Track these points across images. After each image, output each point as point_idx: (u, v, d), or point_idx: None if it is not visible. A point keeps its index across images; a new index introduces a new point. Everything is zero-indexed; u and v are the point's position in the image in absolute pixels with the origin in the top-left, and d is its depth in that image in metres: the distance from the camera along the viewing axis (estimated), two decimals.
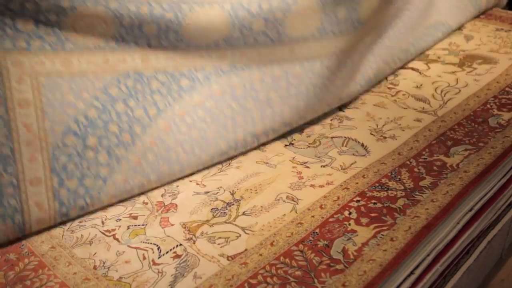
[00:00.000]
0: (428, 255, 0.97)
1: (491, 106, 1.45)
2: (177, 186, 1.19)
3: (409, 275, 0.93)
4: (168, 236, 1.04)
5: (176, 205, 1.12)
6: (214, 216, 1.08)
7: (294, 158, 1.26)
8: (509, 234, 1.36)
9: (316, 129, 1.38)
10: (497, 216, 1.21)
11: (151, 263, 0.97)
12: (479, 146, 1.26)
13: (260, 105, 1.27)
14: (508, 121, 1.36)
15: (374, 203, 1.08)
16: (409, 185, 1.13)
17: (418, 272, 0.94)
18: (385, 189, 1.13)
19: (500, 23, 2.04)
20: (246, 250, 0.99)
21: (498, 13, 2.15)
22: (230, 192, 1.15)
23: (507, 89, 1.54)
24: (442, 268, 1.01)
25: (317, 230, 1.02)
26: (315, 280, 0.90)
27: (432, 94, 1.54)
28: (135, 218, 1.09)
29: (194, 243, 1.01)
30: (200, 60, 1.20)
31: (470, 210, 1.09)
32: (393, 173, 1.18)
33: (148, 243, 1.02)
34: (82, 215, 1.10)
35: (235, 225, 1.05)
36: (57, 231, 1.07)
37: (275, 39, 1.28)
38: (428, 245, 0.98)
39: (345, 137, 1.33)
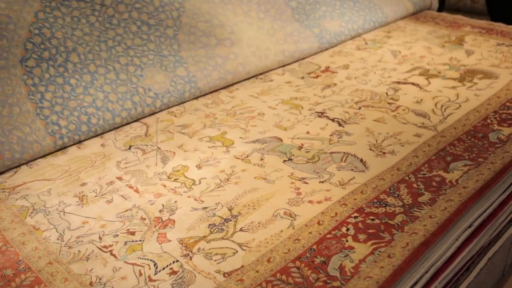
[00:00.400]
0: (426, 272, 0.97)
1: (491, 121, 1.44)
2: (175, 201, 1.19)
3: None
4: (165, 252, 1.04)
5: (174, 221, 1.12)
6: (211, 232, 1.08)
7: (292, 173, 1.26)
8: (511, 251, 1.35)
9: (315, 144, 1.38)
10: (497, 232, 1.20)
11: (147, 279, 0.97)
12: (479, 161, 1.25)
13: None
14: (508, 136, 1.35)
15: (372, 219, 1.08)
16: (407, 201, 1.13)
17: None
18: (383, 205, 1.12)
19: (501, 38, 2.05)
20: (242, 266, 0.98)
21: (499, 28, 2.15)
22: (228, 208, 1.15)
23: (507, 104, 1.53)
24: (441, 286, 1.00)
25: (314, 247, 1.01)
26: None
27: (432, 109, 1.53)
28: (133, 234, 1.09)
29: (191, 259, 1.01)
30: None
31: (470, 226, 1.08)
32: (392, 189, 1.17)
33: (145, 259, 1.02)
34: (81, 233, 1.10)
35: (232, 241, 1.05)
36: (54, 247, 1.07)
37: None
38: (426, 262, 0.97)
39: (344, 152, 1.33)
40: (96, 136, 1.51)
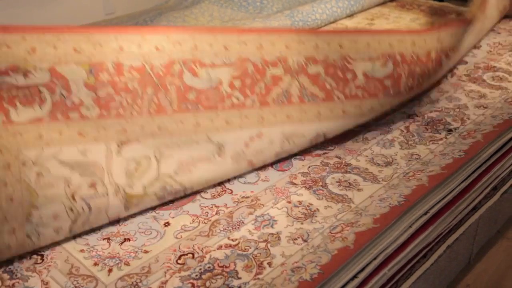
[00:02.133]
0: (375, 258, 0.96)
1: None
2: None
3: (352, 279, 0.92)
4: None
5: None
6: None
7: None
8: (476, 239, 1.34)
9: None
10: (458, 220, 1.19)
11: None
12: None
13: None
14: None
15: None
16: None
17: (362, 276, 0.93)
18: None
19: None
20: None
21: None
22: None
23: None
24: (392, 273, 1.00)
25: None
26: None
27: None
28: None
29: None
30: None
31: (426, 213, 1.07)
32: None
33: None
34: None
35: None
36: None
37: None
38: (375, 248, 0.97)
39: None
40: None
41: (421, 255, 1.09)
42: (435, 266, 1.15)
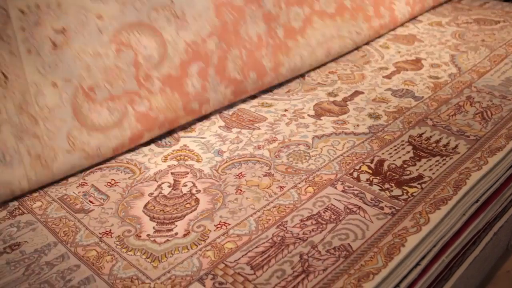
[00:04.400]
0: (435, 246, 0.98)
1: None
2: None
3: (415, 266, 0.93)
4: None
5: None
6: None
7: None
8: None
9: None
10: (503, 207, 1.21)
11: None
12: None
13: None
14: None
15: None
16: None
17: (424, 263, 0.94)
18: None
19: None
20: None
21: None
22: None
23: None
24: (448, 260, 1.01)
25: None
26: None
27: None
28: None
29: None
30: None
31: (477, 201, 1.09)
32: None
33: None
34: None
35: None
36: None
37: None
38: (434, 236, 0.98)
39: None
40: None
41: (470, 242, 1.11)
42: (482, 253, 1.17)
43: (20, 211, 1.07)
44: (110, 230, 1.00)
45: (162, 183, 1.14)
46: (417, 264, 0.93)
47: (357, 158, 1.20)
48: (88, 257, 0.94)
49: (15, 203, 1.09)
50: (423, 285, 0.95)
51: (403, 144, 1.25)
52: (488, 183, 1.12)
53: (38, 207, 1.08)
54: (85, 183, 1.15)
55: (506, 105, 1.41)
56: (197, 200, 1.08)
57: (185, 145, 1.28)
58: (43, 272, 0.91)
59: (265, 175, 1.15)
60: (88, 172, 1.19)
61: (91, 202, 1.09)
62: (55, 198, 1.10)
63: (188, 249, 0.95)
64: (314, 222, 1.01)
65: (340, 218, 1.01)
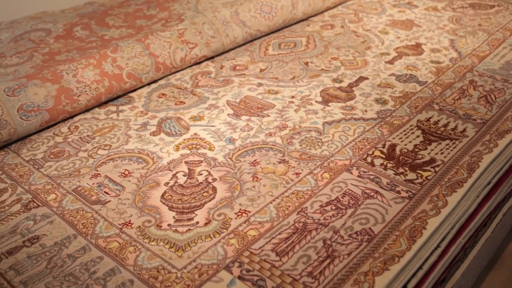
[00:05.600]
0: (452, 228, 0.99)
1: None
2: None
3: (435, 248, 0.95)
4: None
5: None
6: None
7: None
8: None
9: None
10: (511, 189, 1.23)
11: None
12: None
13: None
14: None
15: None
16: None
17: (443, 245, 0.96)
18: None
19: None
20: None
21: None
22: None
23: None
24: (464, 241, 1.03)
25: None
26: None
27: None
28: None
29: None
30: None
31: (489, 183, 1.11)
32: None
33: None
34: None
35: None
36: None
37: None
38: (452, 218, 1.00)
39: None
40: None
41: (482, 224, 1.13)
42: (493, 234, 1.19)
43: (35, 204, 1.05)
44: (130, 220, 0.99)
45: (177, 172, 1.13)
46: (438, 246, 0.95)
47: (369, 143, 1.21)
48: (110, 249, 0.93)
49: (29, 196, 1.07)
50: (443, 266, 0.96)
51: (412, 129, 1.27)
52: (499, 165, 1.14)
53: (53, 199, 1.06)
54: (98, 174, 1.13)
55: (509, 88, 1.44)
56: (214, 189, 1.07)
57: (195, 134, 1.27)
58: (66, 264, 0.90)
59: (280, 162, 1.15)
60: (99, 162, 1.17)
61: (106, 193, 1.07)
62: (69, 190, 1.09)
63: (211, 238, 0.94)
64: (333, 207, 1.01)
65: (359, 203, 1.02)
